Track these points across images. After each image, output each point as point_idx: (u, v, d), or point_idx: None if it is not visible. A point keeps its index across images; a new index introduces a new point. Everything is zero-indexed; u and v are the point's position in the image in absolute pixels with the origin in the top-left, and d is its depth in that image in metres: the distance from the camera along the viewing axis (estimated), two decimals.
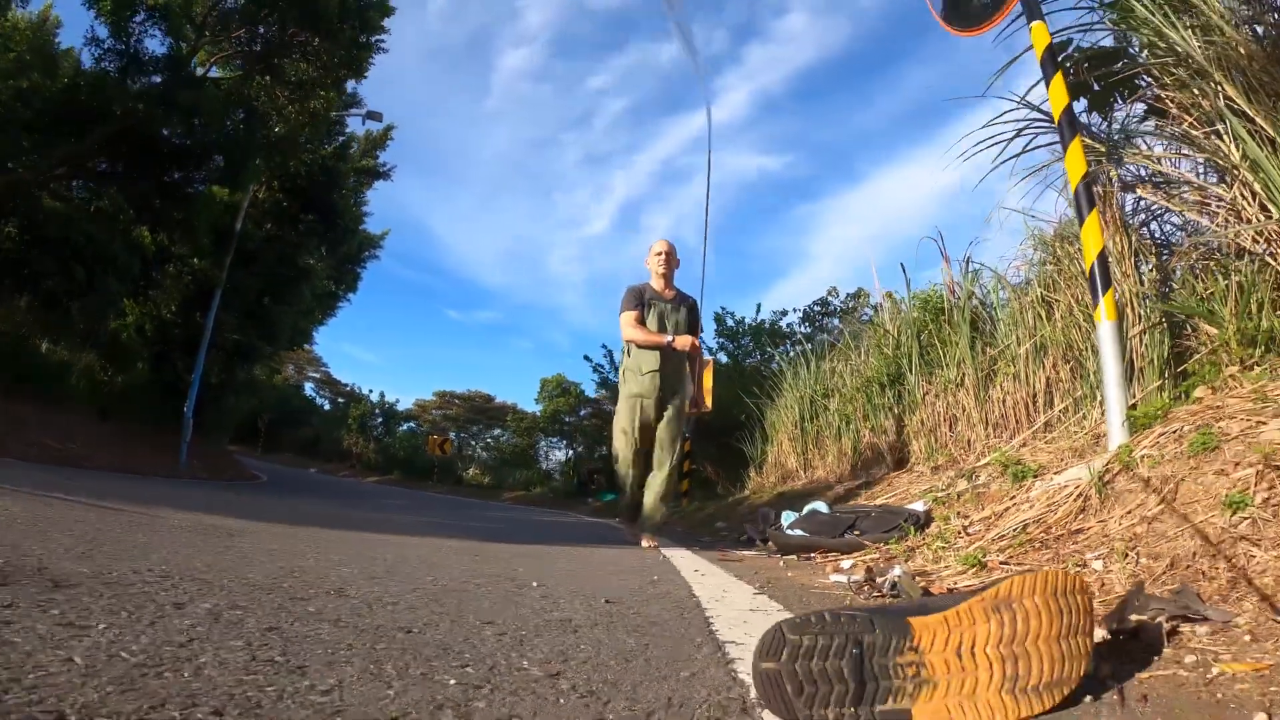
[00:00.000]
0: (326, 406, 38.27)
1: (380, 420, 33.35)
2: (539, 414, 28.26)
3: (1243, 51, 2.49)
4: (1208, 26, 2.62)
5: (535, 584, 1.64)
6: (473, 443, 34.25)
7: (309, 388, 38.67)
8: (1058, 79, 2.55)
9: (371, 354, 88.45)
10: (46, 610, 0.88)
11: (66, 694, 0.61)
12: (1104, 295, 2.20)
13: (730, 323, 13.15)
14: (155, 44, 10.11)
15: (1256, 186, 2.44)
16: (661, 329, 3.83)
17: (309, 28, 9.59)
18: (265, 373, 17.26)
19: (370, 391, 39.40)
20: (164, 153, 10.14)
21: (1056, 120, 2.55)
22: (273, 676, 0.74)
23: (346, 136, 15.12)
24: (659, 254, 4.00)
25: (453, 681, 0.79)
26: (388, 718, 0.65)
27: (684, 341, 3.74)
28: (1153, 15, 2.68)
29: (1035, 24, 2.68)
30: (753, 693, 0.78)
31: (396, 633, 1.00)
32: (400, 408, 35.48)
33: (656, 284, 3.99)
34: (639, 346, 3.80)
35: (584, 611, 1.31)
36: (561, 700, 0.75)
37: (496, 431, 32.84)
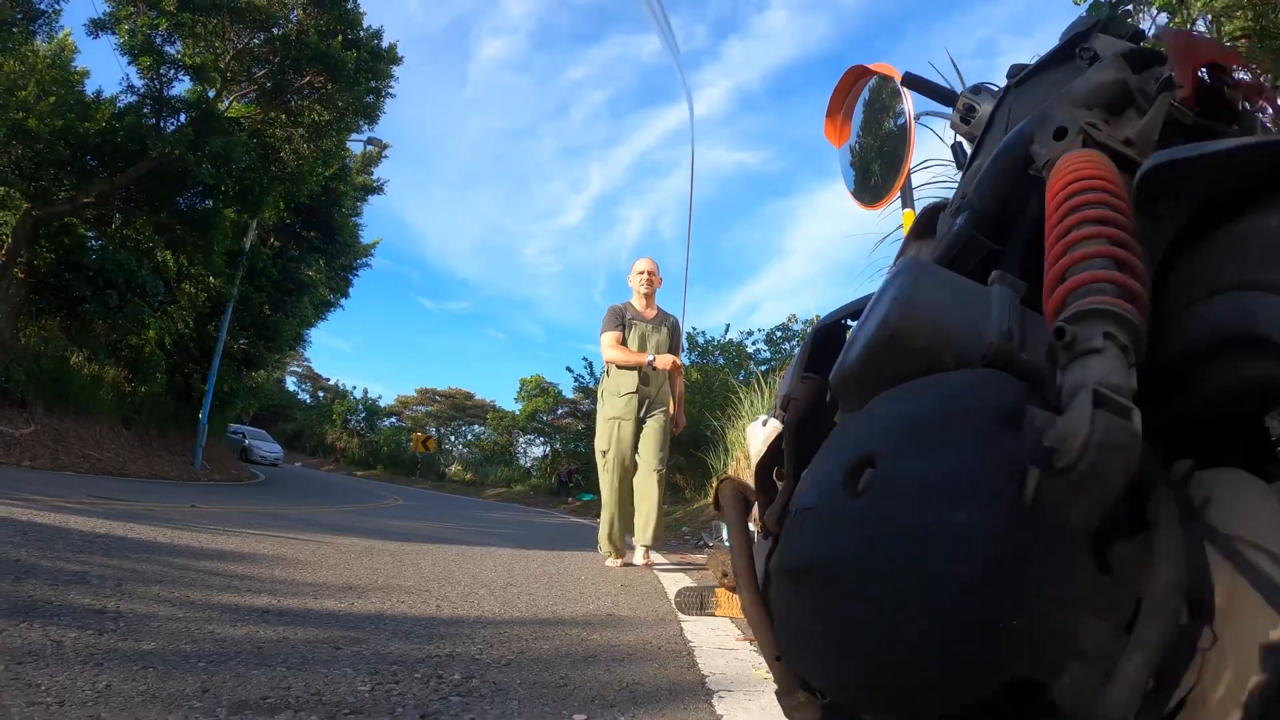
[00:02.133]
0: (307, 400, 38.88)
1: (363, 415, 34.22)
2: (518, 413, 29.42)
3: None
4: None
5: (586, 578, 3.00)
6: (453, 438, 35.31)
7: (291, 382, 39.22)
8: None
9: (342, 341, 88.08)
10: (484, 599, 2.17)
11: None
12: None
13: (701, 341, 14.58)
14: (182, 84, 11.08)
15: None
16: (643, 349, 3.86)
17: (325, 74, 10.64)
18: (262, 376, 18.17)
19: (354, 388, 40.09)
20: (188, 184, 11.13)
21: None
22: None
23: (345, 158, 16.09)
24: (641, 273, 4.02)
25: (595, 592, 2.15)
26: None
27: (664, 361, 3.78)
28: None
29: (906, 210, 4.05)
30: (673, 605, 2.20)
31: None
32: (382, 403, 36.34)
33: (638, 303, 4.02)
34: (619, 367, 3.83)
35: (619, 585, 2.69)
36: (626, 599, 2.13)
37: (477, 428, 34.02)
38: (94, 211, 11.11)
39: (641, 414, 3.75)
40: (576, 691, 1.23)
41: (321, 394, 39.30)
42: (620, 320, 3.89)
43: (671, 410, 3.94)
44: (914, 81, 1.31)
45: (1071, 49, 0.85)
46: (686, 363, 15.70)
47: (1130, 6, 3.27)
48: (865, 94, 4.21)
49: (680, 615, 2.08)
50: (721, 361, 14.52)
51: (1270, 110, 0.75)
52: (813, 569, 0.49)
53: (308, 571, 2.44)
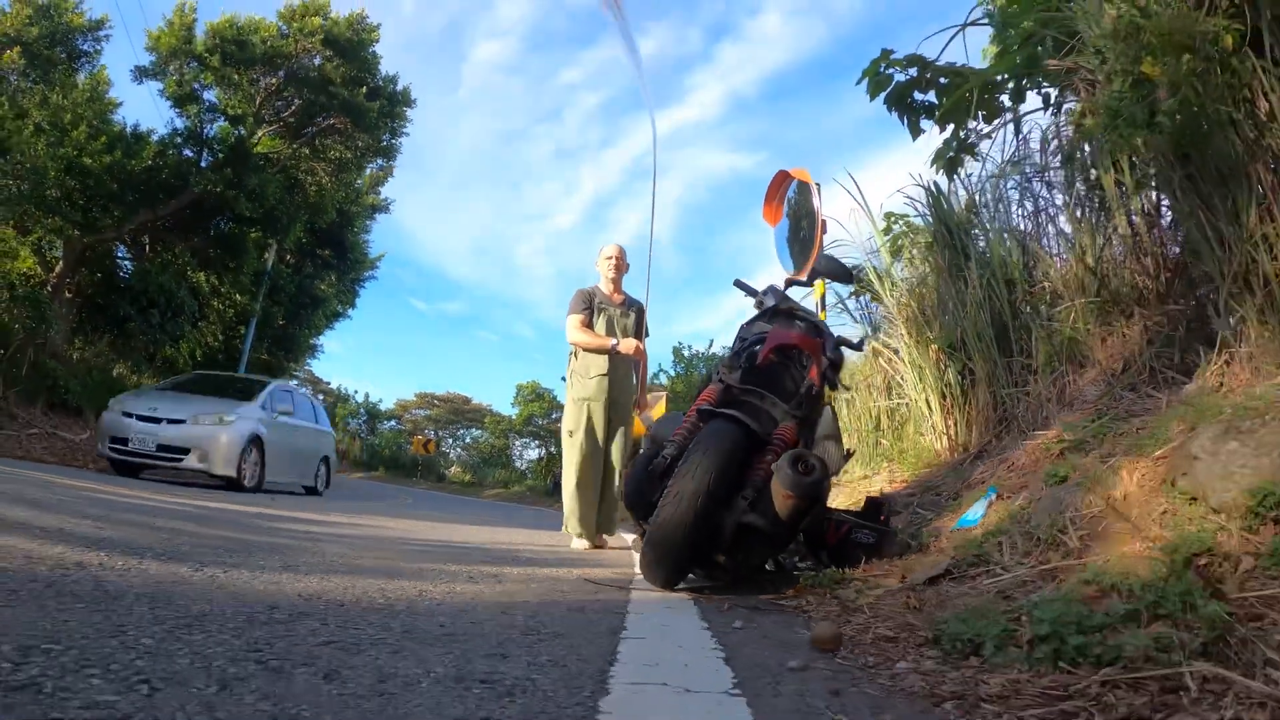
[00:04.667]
0: None
1: (364, 419, 35.33)
2: (514, 417, 30.64)
3: (911, 311, 5.24)
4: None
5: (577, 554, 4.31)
6: (451, 441, 36.50)
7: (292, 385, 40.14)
8: (823, 315, 5.28)
9: (337, 343, 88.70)
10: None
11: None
12: None
13: (687, 355, 15.93)
14: (218, 121, 12.30)
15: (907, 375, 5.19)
16: (610, 333, 3.90)
17: (349, 120, 11.91)
18: None
19: (355, 392, 41.23)
20: (222, 213, 12.37)
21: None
22: None
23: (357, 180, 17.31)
24: (609, 258, 4.08)
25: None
26: None
27: (628, 345, 3.79)
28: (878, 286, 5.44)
29: (818, 281, 5.39)
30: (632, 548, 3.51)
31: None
32: (383, 407, 37.45)
33: (606, 288, 4.07)
34: (584, 350, 3.88)
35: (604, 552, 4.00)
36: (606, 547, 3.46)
37: (475, 432, 35.25)
38: (136, 238, 12.32)
39: (609, 396, 3.81)
40: (583, 571, 2.54)
41: (321, 397, 40.34)
42: (588, 303, 3.94)
43: (636, 394, 4.06)
44: (741, 285, 2.65)
45: (760, 318, 2.22)
46: (672, 374, 17.05)
47: (965, 143, 4.60)
48: (791, 190, 5.67)
49: (633, 552, 3.39)
50: (705, 371, 15.88)
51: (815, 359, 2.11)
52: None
53: (424, 533, 3.77)
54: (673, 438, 1.99)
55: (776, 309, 2.37)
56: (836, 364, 2.28)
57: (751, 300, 2.64)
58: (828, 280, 2.73)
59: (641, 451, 2.28)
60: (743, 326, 2.39)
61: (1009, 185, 4.08)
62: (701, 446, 1.82)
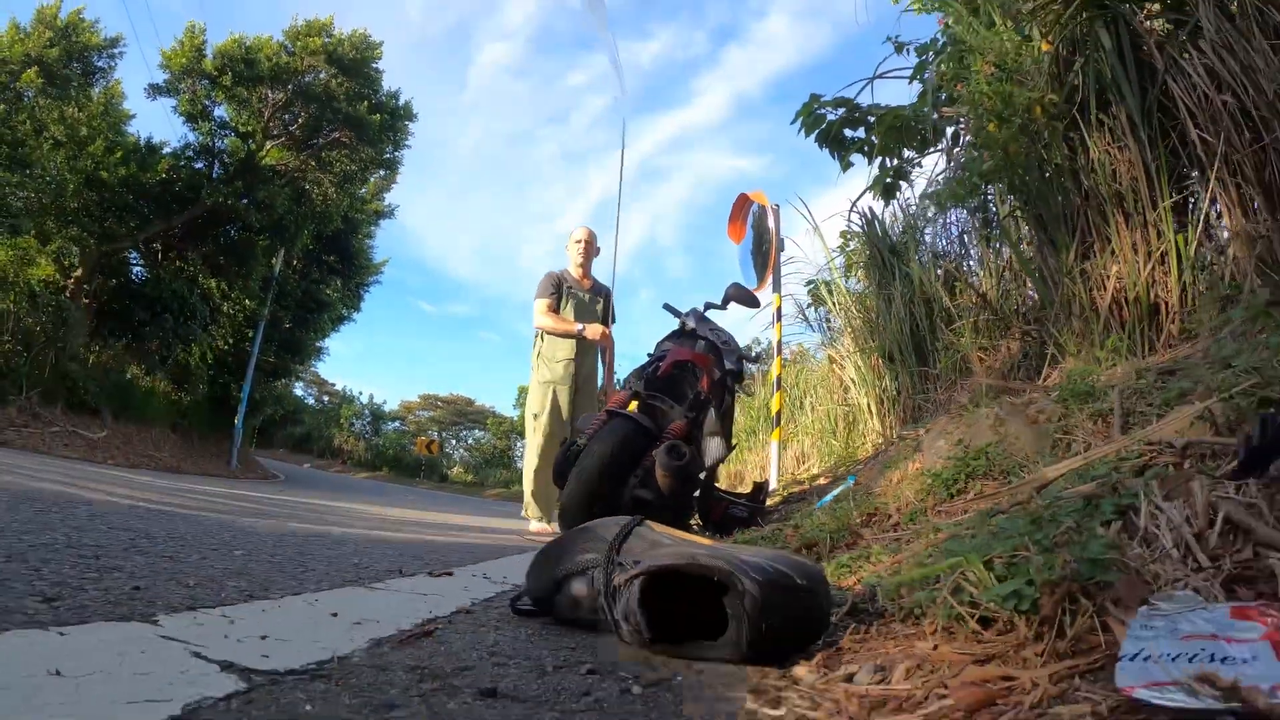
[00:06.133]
0: (311, 402, 40.58)
1: (368, 420, 36.03)
2: (516, 419, 31.16)
3: (857, 325, 5.68)
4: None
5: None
6: (454, 442, 37.09)
7: (298, 386, 40.89)
8: (779, 325, 5.73)
9: (342, 344, 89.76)
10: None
11: None
12: (775, 429, 5.37)
13: None
14: (228, 135, 12.85)
15: (851, 380, 5.63)
16: (579, 318, 3.84)
17: (353, 133, 12.45)
18: (284, 385, 19.93)
19: (360, 393, 41.95)
20: (233, 222, 12.94)
21: (778, 348, 5.72)
22: None
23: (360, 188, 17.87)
24: (579, 241, 4.01)
25: None
26: None
27: (595, 331, 3.74)
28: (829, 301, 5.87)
29: (775, 294, 5.83)
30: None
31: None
32: (386, 408, 38.13)
33: (575, 272, 4.00)
34: (550, 334, 3.82)
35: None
36: None
37: (478, 433, 35.85)
38: (150, 246, 12.90)
39: (575, 381, 3.79)
40: (523, 536, 3.01)
41: (326, 398, 41.05)
42: (556, 287, 3.90)
43: (603, 380, 4.02)
44: (668, 308, 3.11)
45: (669, 337, 2.68)
46: None
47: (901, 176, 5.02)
48: (754, 209, 6.16)
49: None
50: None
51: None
52: None
53: (452, 520, 4.23)
54: (586, 432, 2.48)
55: (684, 329, 2.84)
56: (738, 373, 2.75)
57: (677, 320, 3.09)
58: (741, 304, 3.17)
59: (565, 441, 2.78)
60: (657, 344, 2.85)
61: (940, 210, 4.51)
62: (600, 437, 2.31)
